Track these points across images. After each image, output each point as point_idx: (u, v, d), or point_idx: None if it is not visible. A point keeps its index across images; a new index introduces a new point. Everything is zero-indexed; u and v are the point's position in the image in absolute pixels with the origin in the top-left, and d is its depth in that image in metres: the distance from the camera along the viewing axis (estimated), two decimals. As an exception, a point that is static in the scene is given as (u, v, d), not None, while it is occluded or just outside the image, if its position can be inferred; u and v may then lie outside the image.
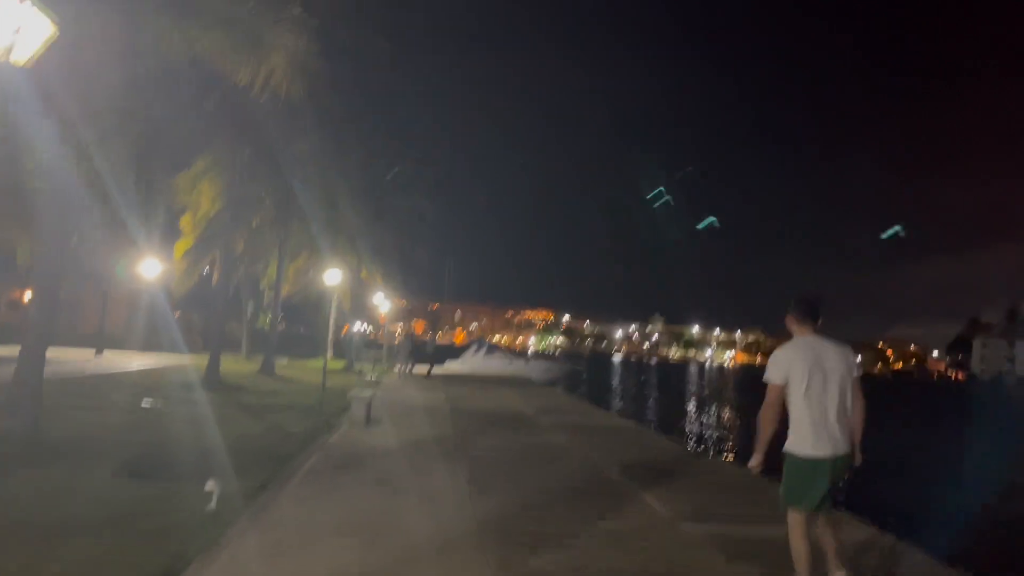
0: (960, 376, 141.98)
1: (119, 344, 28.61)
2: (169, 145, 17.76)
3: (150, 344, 28.96)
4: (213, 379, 15.82)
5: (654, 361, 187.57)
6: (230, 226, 17.06)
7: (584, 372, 54.10)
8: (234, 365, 24.14)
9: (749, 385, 72.29)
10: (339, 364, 28.87)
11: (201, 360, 24.70)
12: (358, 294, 30.52)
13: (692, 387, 61.65)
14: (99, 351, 24.23)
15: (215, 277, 19.76)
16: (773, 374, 4.35)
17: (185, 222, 19.99)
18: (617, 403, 33.38)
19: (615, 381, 62.02)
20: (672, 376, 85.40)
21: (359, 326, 41.24)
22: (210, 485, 6.16)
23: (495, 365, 39.21)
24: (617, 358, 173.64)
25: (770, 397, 4.33)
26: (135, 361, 23.36)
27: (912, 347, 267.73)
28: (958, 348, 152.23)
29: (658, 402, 39.59)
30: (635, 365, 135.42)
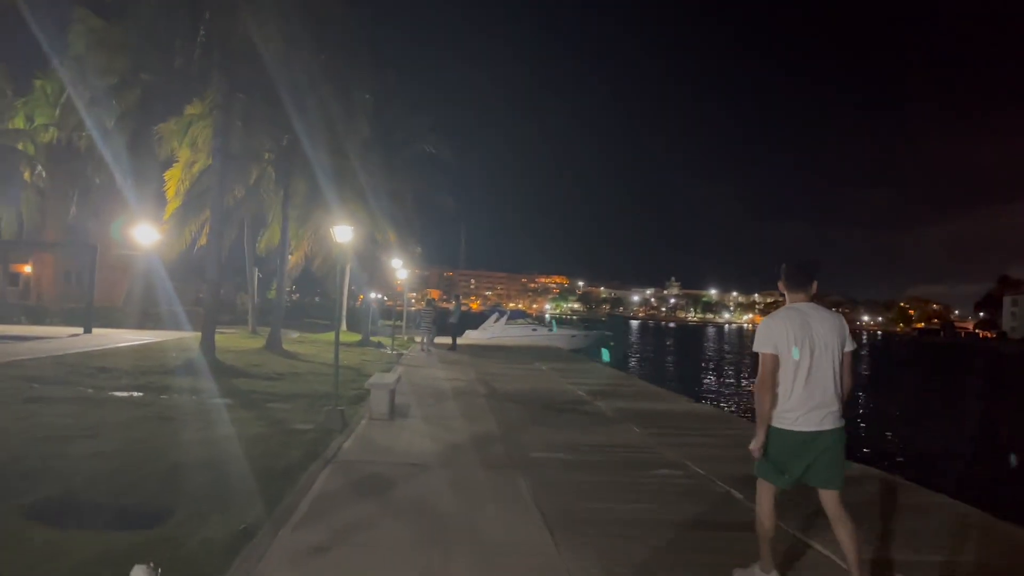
0: (990, 335, 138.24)
1: (115, 321, 26.28)
2: (159, 87, 15.36)
3: (149, 319, 26.62)
4: (206, 359, 13.38)
5: (672, 325, 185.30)
6: (222, 181, 14.47)
7: (611, 339, 51.63)
8: (237, 341, 21.75)
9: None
10: (354, 337, 26.44)
11: (202, 335, 22.45)
12: (372, 258, 28.00)
13: (730, 354, 59.13)
14: (87, 328, 21.88)
15: (202, 240, 17.26)
16: (764, 343, 4.03)
17: (171, 176, 17.47)
18: (668, 378, 30.89)
19: (647, 348, 59.57)
20: (697, 340, 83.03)
21: (374, 295, 38.86)
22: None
23: (517, 334, 36.73)
24: (635, 323, 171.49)
25: (765, 368, 3.99)
26: (126, 338, 21.00)
27: (935, 306, 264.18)
28: (987, 306, 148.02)
29: (713, 375, 37.05)
30: (654, 329, 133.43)
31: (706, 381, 31.85)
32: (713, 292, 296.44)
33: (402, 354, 21.81)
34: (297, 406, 10.52)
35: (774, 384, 3.97)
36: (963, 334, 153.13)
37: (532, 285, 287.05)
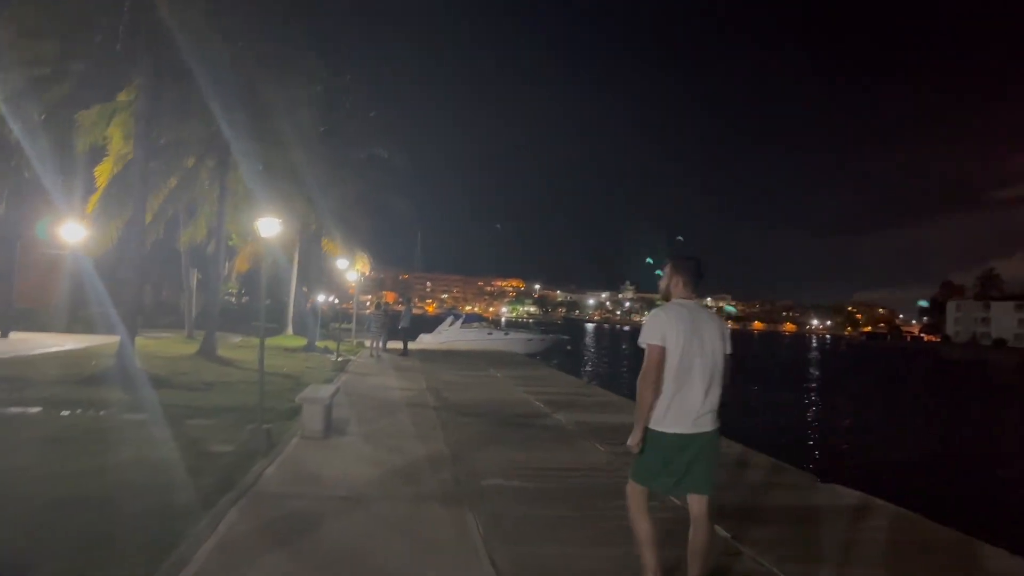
0: (934, 339, 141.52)
1: (41, 324, 24.46)
2: (90, 75, 14.01)
3: (78, 322, 24.86)
4: (124, 367, 12.06)
5: (627, 328, 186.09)
6: (145, 173, 13.15)
7: (569, 343, 50.88)
8: (170, 346, 20.30)
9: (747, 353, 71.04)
10: (299, 342, 25.09)
11: (137, 342, 20.97)
12: (319, 259, 26.72)
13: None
14: (4, 332, 20.19)
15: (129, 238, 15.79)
16: (652, 335, 3.85)
17: (101, 171, 16.05)
18: (625, 383, 30.07)
19: (603, 353, 58.96)
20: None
21: (325, 298, 37.41)
22: None
23: (472, 338, 35.65)
24: (590, 326, 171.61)
25: (650, 360, 3.82)
26: (46, 343, 19.40)
27: (881, 311, 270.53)
28: (932, 311, 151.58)
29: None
30: (609, 332, 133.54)
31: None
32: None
33: (349, 360, 20.59)
34: (221, 422, 9.34)
35: (658, 378, 3.80)
36: (909, 338, 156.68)
37: (488, 288, 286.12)
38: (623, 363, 46.11)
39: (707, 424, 3.88)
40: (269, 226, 8.38)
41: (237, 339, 25.76)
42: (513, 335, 39.17)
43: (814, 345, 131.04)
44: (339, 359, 20.17)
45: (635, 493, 4.02)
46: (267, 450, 7.68)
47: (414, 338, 29.76)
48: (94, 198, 16.01)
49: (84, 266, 22.46)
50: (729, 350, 4.02)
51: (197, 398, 11.27)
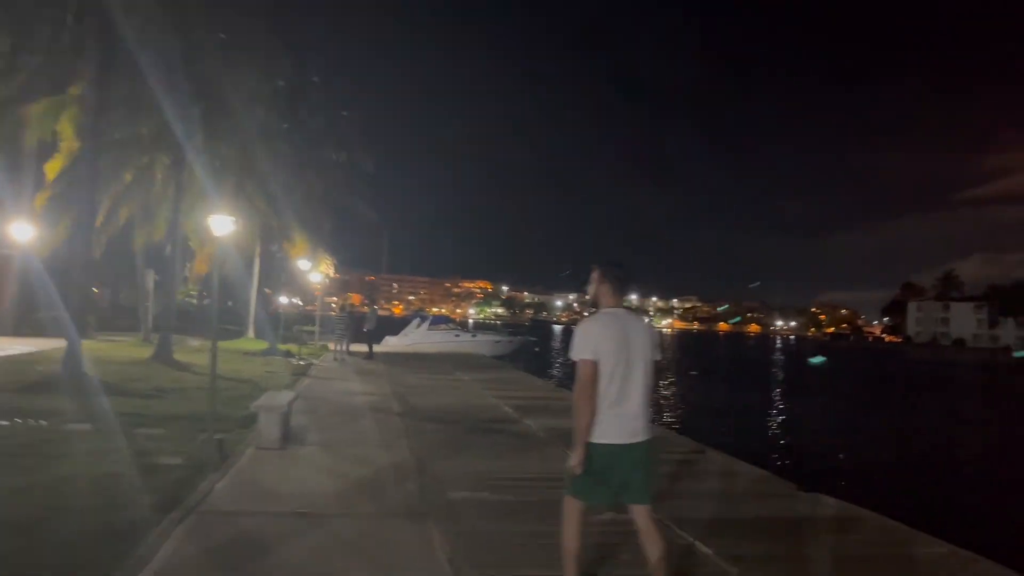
0: (896, 339, 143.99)
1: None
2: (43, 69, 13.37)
3: (27, 325, 23.91)
4: (71, 373, 11.44)
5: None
6: (92, 169, 12.52)
7: (537, 345, 50.57)
8: (125, 350, 19.55)
9: (720, 352, 71.54)
10: (260, 345, 24.40)
11: (90, 346, 20.18)
12: (282, 260, 26.08)
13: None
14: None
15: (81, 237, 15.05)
16: (583, 350, 3.74)
17: (52, 168, 15.36)
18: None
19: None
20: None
21: (289, 300, 36.67)
22: None
23: (439, 340, 35.15)
24: (558, 328, 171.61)
25: (584, 376, 3.71)
26: (-3, 347, 18.57)
27: (844, 312, 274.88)
28: (893, 312, 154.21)
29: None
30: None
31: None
32: (633, 297, 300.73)
33: (312, 364, 20.03)
34: (171, 432, 8.82)
35: (594, 393, 3.70)
36: (871, 339, 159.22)
37: (456, 290, 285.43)
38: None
39: (642, 433, 3.80)
40: (222, 224, 7.89)
41: (196, 342, 24.99)
42: (481, 337, 38.74)
43: (778, 346, 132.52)
44: (301, 363, 19.61)
45: (571, 508, 3.89)
46: (219, 462, 7.20)
47: (380, 340, 29.20)
48: (43, 195, 15.33)
49: (33, 266, 21.59)
50: (658, 356, 3.94)
51: (148, 405, 10.70)
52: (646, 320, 4.07)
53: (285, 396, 8.95)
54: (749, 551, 5.24)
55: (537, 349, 50.84)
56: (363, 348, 24.41)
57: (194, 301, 52.92)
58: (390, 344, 32.74)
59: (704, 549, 5.23)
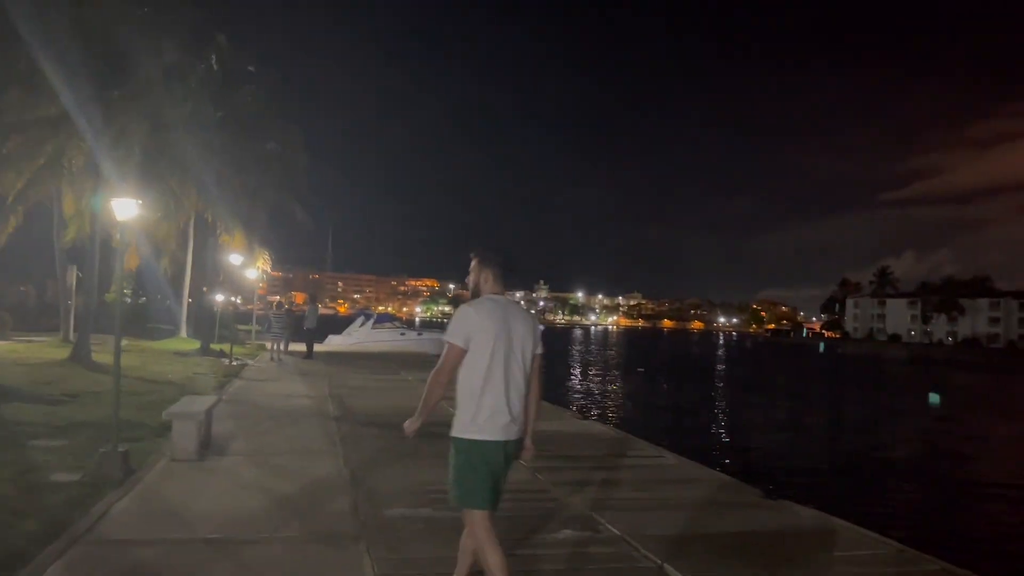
0: (834, 335, 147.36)
1: None
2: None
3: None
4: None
5: (541, 327, 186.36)
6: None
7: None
8: (41, 351, 18.23)
9: (678, 351, 71.82)
10: (192, 345, 23.17)
11: (1, 346, 18.82)
12: (213, 254, 24.82)
13: (596, 355, 58.71)
14: None
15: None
16: (456, 334, 3.50)
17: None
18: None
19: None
20: (565, 342, 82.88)
21: (226, 297, 35.16)
22: None
23: (384, 339, 34.16)
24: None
25: (447, 359, 3.51)
26: None
27: (783, 308, 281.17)
28: (831, 308, 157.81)
29: (590, 380, 35.77)
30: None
31: (580, 386, 30.57)
32: (580, 295, 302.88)
33: (246, 365, 18.98)
34: (75, 443, 7.88)
35: (450, 378, 3.53)
36: (810, 334, 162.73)
37: (402, 288, 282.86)
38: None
39: (516, 431, 3.58)
40: (125, 207, 6.97)
41: (123, 342, 23.62)
42: (427, 335, 37.84)
43: (721, 342, 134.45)
44: (234, 363, 18.55)
45: (477, 520, 3.53)
46: (123, 478, 6.33)
47: (321, 339, 28.13)
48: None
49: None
50: (540, 350, 3.72)
51: (54, 412, 9.68)
52: (529, 312, 3.85)
53: (205, 401, 8.08)
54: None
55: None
56: (303, 348, 23.38)
57: (129, 300, 50.79)
58: (333, 343, 31.64)
59: (676, 574, 4.60)
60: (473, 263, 3.77)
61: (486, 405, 3.47)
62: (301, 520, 5.51)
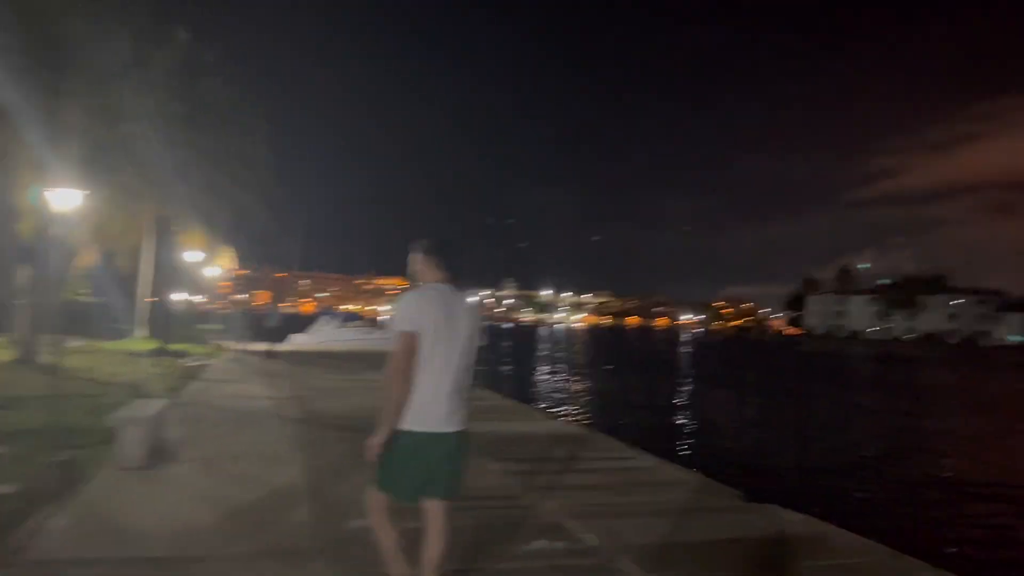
0: (797, 332, 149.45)
1: None
2: None
3: None
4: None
5: (509, 325, 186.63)
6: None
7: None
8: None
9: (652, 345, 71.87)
10: (149, 345, 22.45)
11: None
12: (173, 252, 24.12)
13: (562, 353, 58.59)
14: None
15: None
16: (403, 321, 3.39)
17: None
18: (511, 382, 28.80)
19: (484, 351, 57.64)
20: (531, 340, 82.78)
21: (188, 296, 34.30)
22: None
23: (350, 338, 33.60)
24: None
25: (402, 349, 3.35)
26: None
27: (747, 305, 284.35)
28: (794, 305, 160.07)
29: (556, 377, 35.52)
30: (490, 330, 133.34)
31: (548, 384, 30.34)
32: (547, 292, 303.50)
33: (206, 365, 18.39)
34: (15, 451, 7.34)
35: (410, 369, 3.38)
36: (773, 331, 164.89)
37: (369, 287, 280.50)
38: (505, 360, 45.19)
39: (459, 422, 3.51)
40: (63, 199, 6.49)
41: (78, 342, 22.82)
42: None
43: (686, 339, 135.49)
44: (193, 364, 17.96)
45: (376, 501, 3.57)
46: (61, 490, 5.87)
47: (283, 339, 27.52)
48: None
49: None
50: (480, 342, 3.67)
51: (-7, 418, 9.10)
52: (474, 300, 3.78)
53: (156, 404, 7.61)
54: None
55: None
56: (265, 347, 22.80)
57: (85, 298, 49.45)
58: (297, 342, 31.01)
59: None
60: (415, 253, 3.65)
61: (425, 395, 3.39)
62: (256, 534, 5.12)
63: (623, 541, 5.11)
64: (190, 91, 21.07)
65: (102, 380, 13.72)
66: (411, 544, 3.67)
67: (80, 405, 10.00)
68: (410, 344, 3.37)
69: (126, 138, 15.25)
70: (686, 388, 31.19)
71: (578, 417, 18.23)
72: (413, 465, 3.44)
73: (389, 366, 3.39)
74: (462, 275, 3.69)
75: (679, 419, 20.88)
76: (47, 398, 10.79)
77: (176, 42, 19.44)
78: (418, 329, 3.39)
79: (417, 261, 3.66)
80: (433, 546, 3.58)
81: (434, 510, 3.59)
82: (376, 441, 3.41)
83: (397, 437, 3.40)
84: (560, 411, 19.80)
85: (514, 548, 4.96)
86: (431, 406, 3.41)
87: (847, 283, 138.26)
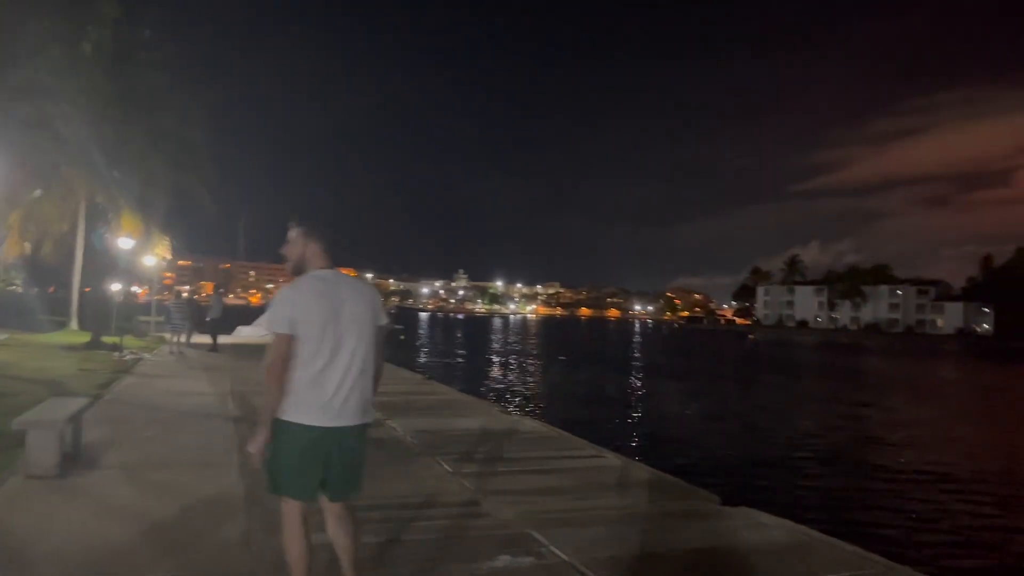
0: (746, 322, 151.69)
1: None
2: None
3: None
4: None
5: (461, 316, 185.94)
6: None
7: (402, 332, 48.59)
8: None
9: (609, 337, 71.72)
10: (82, 338, 21.26)
11: None
12: (107, 241, 22.90)
13: (516, 344, 58.15)
14: None
15: None
16: (277, 322, 3.14)
17: None
18: (464, 375, 28.16)
19: (438, 343, 57.09)
20: (485, 331, 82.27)
21: (124, 287, 32.84)
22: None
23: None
24: (424, 315, 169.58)
25: (276, 351, 3.14)
26: None
27: (697, 296, 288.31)
28: (743, 296, 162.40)
29: (510, 369, 34.98)
30: (443, 321, 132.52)
31: (502, 376, 29.85)
32: (499, 284, 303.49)
33: (141, 359, 17.38)
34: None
35: (285, 372, 3.12)
36: (723, 322, 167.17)
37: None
38: (458, 352, 44.56)
39: (353, 415, 3.25)
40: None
41: (3, 335, 21.52)
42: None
43: (637, 330, 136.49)
44: (128, 357, 16.95)
45: (289, 511, 3.27)
46: (-46, 506, 5.12)
47: (228, 331, 26.44)
48: None
49: None
50: (383, 321, 3.39)
51: None
52: (367, 282, 3.56)
53: (72, 404, 6.83)
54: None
55: (403, 337, 48.92)
56: (207, 340, 21.80)
57: (17, 289, 47.16)
58: (243, 335, 29.89)
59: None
60: (294, 234, 3.37)
61: (318, 390, 3.15)
62: (177, 555, 4.47)
63: (594, 554, 4.59)
64: (119, 69, 19.94)
65: (26, 376, 12.75)
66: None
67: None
68: (284, 347, 3.14)
69: (49, 116, 14.18)
70: (644, 381, 30.98)
71: (536, 412, 17.71)
72: (305, 461, 3.17)
73: (265, 368, 3.16)
74: (346, 258, 3.48)
75: (640, 413, 20.54)
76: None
77: (104, 18, 18.32)
78: (293, 330, 3.15)
79: (298, 246, 3.37)
80: (342, 538, 3.37)
81: (335, 512, 3.36)
82: (255, 447, 3.15)
83: (292, 432, 3.15)
84: (516, 405, 19.29)
85: (475, 565, 4.41)
86: (319, 399, 3.15)
87: (795, 274, 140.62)
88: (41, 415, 6.27)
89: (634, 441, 13.44)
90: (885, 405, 25.27)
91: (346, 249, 3.52)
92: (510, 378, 29.35)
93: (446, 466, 7.02)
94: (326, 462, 3.21)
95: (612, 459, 7.71)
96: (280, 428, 3.18)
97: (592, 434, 10.26)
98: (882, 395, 29.44)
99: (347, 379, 3.20)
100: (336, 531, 3.38)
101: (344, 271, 3.42)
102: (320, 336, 3.16)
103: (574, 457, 7.82)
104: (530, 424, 10.14)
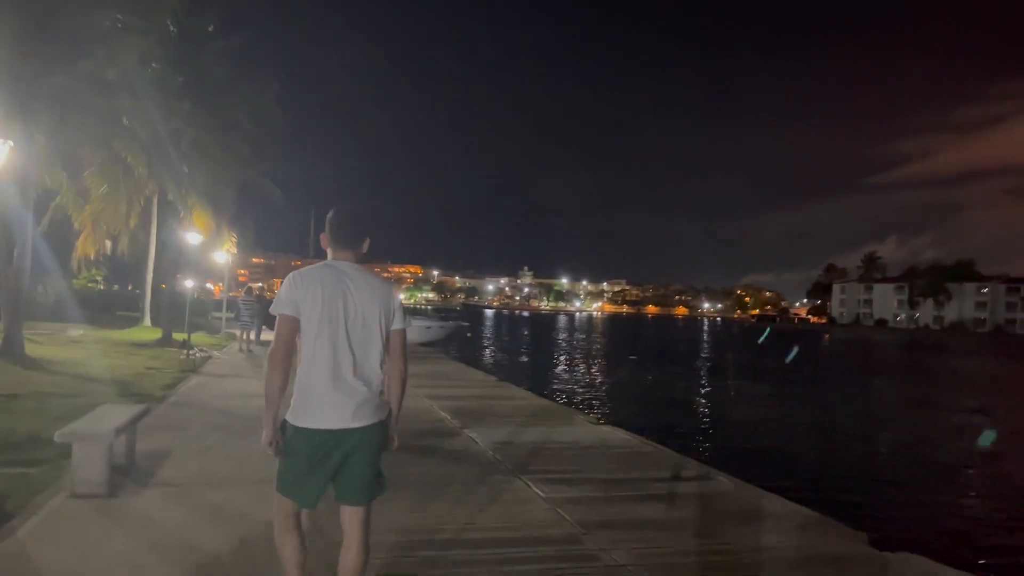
0: (820, 320, 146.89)
1: None
2: None
3: None
4: None
5: (526, 314, 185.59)
6: None
7: (469, 330, 47.98)
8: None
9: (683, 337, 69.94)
10: (154, 334, 21.20)
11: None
12: (176, 237, 22.84)
13: (583, 343, 57.05)
14: None
15: None
16: (282, 304, 3.06)
17: None
18: (535, 375, 27.16)
19: (505, 339, 56.40)
20: (551, 328, 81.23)
21: (197, 283, 33.15)
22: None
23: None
24: (490, 312, 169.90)
25: (279, 334, 3.03)
26: None
27: (767, 293, 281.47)
28: (817, 293, 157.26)
29: (580, 370, 34.02)
30: (508, 318, 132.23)
31: (573, 377, 28.84)
32: (564, 281, 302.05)
33: (210, 357, 17.07)
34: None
35: (288, 356, 3.02)
36: (796, 320, 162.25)
37: (385, 274, 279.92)
38: (525, 350, 43.76)
39: (363, 417, 3.03)
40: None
41: (79, 331, 21.64)
42: (411, 323, 36.04)
43: (706, 328, 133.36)
44: (197, 355, 16.64)
45: (280, 509, 3.15)
46: (-12, 530, 4.49)
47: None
48: None
49: None
50: (399, 325, 3.21)
51: (-53, 424, 7.76)
52: (384, 279, 3.31)
53: (123, 413, 6.19)
54: None
55: (470, 335, 48.38)
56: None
57: (99, 287, 48.38)
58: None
59: None
60: (327, 226, 3.26)
61: (311, 387, 3.03)
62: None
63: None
64: (186, 62, 19.76)
65: (92, 375, 12.43)
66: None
67: (51, 407, 8.67)
68: (286, 329, 3.02)
69: (116, 109, 13.86)
70: (724, 383, 29.45)
71: (613, 417, 16.64)
72: (308, 465, 3.03)
73: (268, 353, 3.03)
74: (359, 251, 3.22)
75: (729, 420, 18.88)
76: (15, 398, 9.47)
77: (168, 9, 18.10)
78: (300, 311, 3.01)
79: (324, 238, 3.26)
80: (348, 554, 3.12)
81: (349, 517, 3.14)
82: (267, 438, 3.06)
83: (297, 434, 3.04)
84: (594, 410, 18.22)
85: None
86: (320, 398, 3.01)
87: (873, 270, 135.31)
88: (88, 426, 5.63)
89: (733, 454, 12.16)
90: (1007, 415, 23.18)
91: (356, 238, 3.22)
92: (581, 378, 28.31)
93: (536, 489, 6.14)
94: (332, 466, 3.04)
95: (725, 482, 6.69)
96: (286, 431, 3.09)
97: (683, 446, 9.24)
98: (996, 400, 27.08)
99: (350, 377, 3.03)
100: (344, 554, 3.14)
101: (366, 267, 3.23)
102: (318, 326, 3.01)
103: (680, 479, 6.82)
104: (621, 436, 9.14)
